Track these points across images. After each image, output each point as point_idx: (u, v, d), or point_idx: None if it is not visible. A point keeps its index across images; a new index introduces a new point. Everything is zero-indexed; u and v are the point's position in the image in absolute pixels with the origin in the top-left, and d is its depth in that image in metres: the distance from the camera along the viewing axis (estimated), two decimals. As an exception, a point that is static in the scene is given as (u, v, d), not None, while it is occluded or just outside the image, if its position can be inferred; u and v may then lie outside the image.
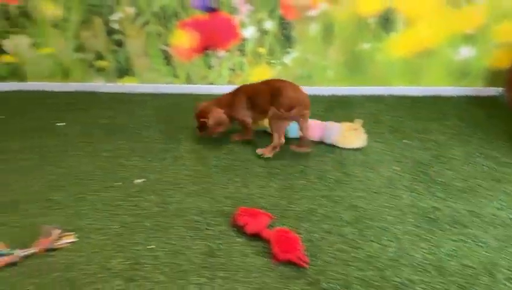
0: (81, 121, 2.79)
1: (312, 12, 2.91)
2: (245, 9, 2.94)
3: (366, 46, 2.99)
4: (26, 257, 1.69)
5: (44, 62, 3.18)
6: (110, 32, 3.06)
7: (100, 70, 3.20)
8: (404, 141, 2.49)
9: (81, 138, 2.59)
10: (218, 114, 2.39)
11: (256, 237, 1.76)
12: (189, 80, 3.20)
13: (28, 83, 3.25)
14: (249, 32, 3.00)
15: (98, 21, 3.03)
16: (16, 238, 1.76)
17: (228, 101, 2.44)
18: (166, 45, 3.08)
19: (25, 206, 1.99)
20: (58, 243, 1.73)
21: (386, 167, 2.24)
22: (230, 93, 2.49)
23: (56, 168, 2.29)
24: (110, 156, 2.40)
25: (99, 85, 3.23)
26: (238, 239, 1.76)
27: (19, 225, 1.88)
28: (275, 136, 2.30)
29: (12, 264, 1.65)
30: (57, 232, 1.76)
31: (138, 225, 1.87)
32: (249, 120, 2.43)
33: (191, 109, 2.55)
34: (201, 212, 1.93)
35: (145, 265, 1.65)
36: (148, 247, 1.73)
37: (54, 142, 2.54)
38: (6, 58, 3.19)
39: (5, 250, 1.68)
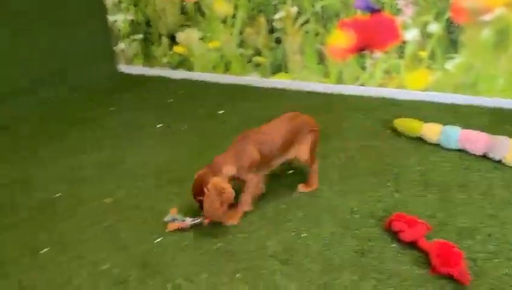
0: (238, 112, 3.00)
1: (486, 17, 2.67)
2: (409, 10, 2.83)
3: (548, 55, 2.64)
4: (194, 225, 1.89)
5: (210, 55, 3.50)
6: (272, 30, 3.23)
7: (257, 66, 3.41)
8: None
9: (238, 126, 2.79)
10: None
11: (411, 245, 1.69)
12: (339, 80, 3.21)
13: (195, 72, 3.61)
14: (411, 35, 2.88)
15: (261, 19, 3.22)
16: (183, 208, 2.00)
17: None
18: (322, 44, 3.14)
19: (191, 181, 2.23)
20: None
21: None
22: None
23: (217, 151, 2.50)
24: (264, 145, 2.54)
25: (255, 80, 3.44)
26: (392, 245, 1.72)
27: (189, 198, 2.10)
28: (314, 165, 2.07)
29: (182, 229, 1.87)
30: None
31: (290, 213, 1.95)
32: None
33: (339, 108, 2.56)
34: (352, 211, 1.93)
35: (298, 252, 1.72)
36: (301, 236, 1.80)
37: (215, 127, 2.79)
38: (178, 49, 3.60)
39: (178, 216, 1.90)
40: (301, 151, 2.03)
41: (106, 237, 1.84)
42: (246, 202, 1.94)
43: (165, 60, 3.66)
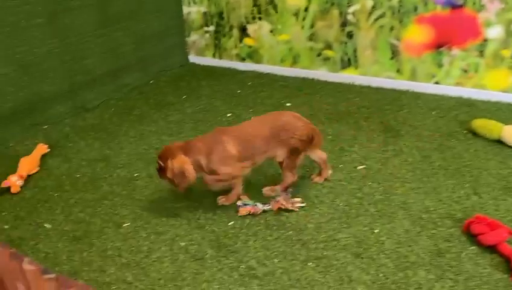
0: (307, 105, 3.01)
1: None
2: (494, 7, 2.69)
3: None
4: (264, 211, 1.93)
5: (279, 48, 3.52)
6: (344, 23, 3.20)
7: (326, 60, 3.39)
8: None
9: (307, 119, 2.80)
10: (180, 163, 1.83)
11: (491, 249, 1.63)
12: (413, 77, 3.11)
13: (262, 65, 3.66)
14: (494, 32, 2.74)
15: (335, 12, 3.20)
16: (253, 195, 2.05)
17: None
18: (397, 39, 3.07)
19: (262, 169, 2.27)
20: (293, 206, 1.92)
21: None
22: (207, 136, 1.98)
23: (286, 141, 2.54)
24: (333, 139, 2.53)
25: (323, 73, 3.42)
26: (471, 247, 1.67)
27: (258, 184, 2.15)
28: (289, 175, 1.98)
29: (253, 214, 1.91)
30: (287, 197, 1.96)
31: (362, 207, 1.94)
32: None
33: (412, 106, 2.49)
34: (427, 211, 1.89)
35: (371, 246, 1.71)
36: (374, 231, 1.79)
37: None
38: (248, 41, 3.66)
39: (250, 201, 1.95)
40: (278, 154, 1.96)
41: (183, 216, 1.93)
42: (235, 195, 1.98)
43: (234, 51, 3.74)
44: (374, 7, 3.05)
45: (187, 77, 3.64)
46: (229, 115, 2.93)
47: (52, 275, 1.05)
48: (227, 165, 1.87)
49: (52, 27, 2.67)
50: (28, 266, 1.08)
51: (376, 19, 3.08)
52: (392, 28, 3.05)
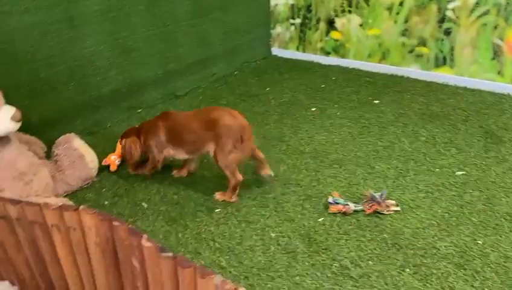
0: (396, 103, 2.89)
1: None
2: None
3: None
4: (356, 211, 1.88)
5: (368, 42, 3.41)
6: (442, 19, 3.02)
7: (418, 57, 3.22)
8: None
9: (397, 118, 2.69)
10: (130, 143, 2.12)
11: None
12: (516, 80, 2.88)
13: (348, 60, 3.56)
14: None
15: (433, 7, 3.03)
16: (342, 192, 2.00)
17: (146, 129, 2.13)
18: (500, 38, 2.84)
19: (349, 167, 2.22)
20: (388, 209, 1.85)
21: None
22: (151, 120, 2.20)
23: (376, 140, 2.45)
24: (427, 141, 2.41)
25: (414, 71, 3.26)
26: None
27: (346, 181, 2.10)
28: (229, 176, 1.94)
29: (344, 213, 1.87)
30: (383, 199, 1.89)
31: (463, 216, 1.82)
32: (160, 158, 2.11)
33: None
34: (538, 225, 1.73)
35: (474, 258, 1.60)
36: (477, 242, 1.67)
37: (372, 117, 2.72)
38: (335, 35, 3.58)
39: (341, 200, 1.91)
40: (210, 149, 1.97)
41: (272, 207, 1.93)
42: (142, 169, 2.18)
43: (319, 45, 3.68)
44: (477, 4, 2.85)
45: (270, 69, 3.64)
46: (313, 109, 2.89)
47: (170, 254, 1.09)
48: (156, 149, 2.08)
49: (151, 14, 2.77)
50: (146, 242, 1.13)
51: (479, 16, 2.87)
52: (496, 27, 2.83)
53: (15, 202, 1.28)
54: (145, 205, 1.98)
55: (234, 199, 1.97)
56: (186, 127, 1.99)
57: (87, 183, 2.09)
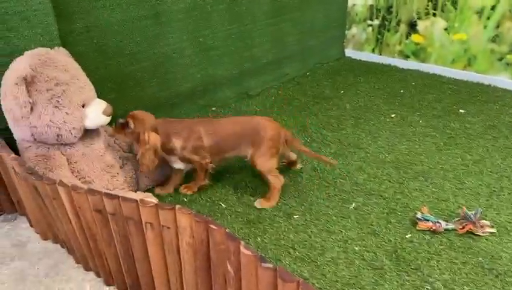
0: (484, 114, 2.69)
1: None
2: None
3: None
4: (447, 230, 1.74)
5: (452, 47, 3.20)
6: (542, 25, 2.77)
7: (509, 65, 2.98)
8: None
9: (486, 130, 2.50)
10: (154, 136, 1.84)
11: None
12: None
13: (429, 64, 3.37)
14: None
15: (532, 12, 2.78)
16: (431, 207, 1.87)
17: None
18: None
19: (436, 180, 2.08)
20: (482, 230, 1.71)
21: None
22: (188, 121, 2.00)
23: (464, 153, 2.29)
24: (523, 157, 2.21)
25: (503, 80, 3.02)
26: None
27: (433, 196, 1.97)
28: (273, 178, 1.92)
29: (433, 231, 1.74)
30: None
31: None
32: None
33: None
34: None
35: None
36: None
37: (459, 127, 2.54)
38: (416, 38, 3.40)
39: (431, 217, 1.78)
40: (253, 156, 1.91)
41: (354, 218, 1.85)
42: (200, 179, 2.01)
43: (397, 48, 3.51)
44: None
45: (343, 72, 3.53)
46: (393, 115, 2.75)
47: (270, 265, 1.04)
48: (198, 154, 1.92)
49: (232, 13, 2.77)
50: (244, 249, 1.09)
51: None
52: None
53: (112, 196, 1.30)
54: (223, 204, 1.97)
55: (274, 203, 1.94)
56: (228, 134, 1.94)
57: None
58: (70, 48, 2.05)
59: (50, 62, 1.69)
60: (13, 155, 1.65)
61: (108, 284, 1.58)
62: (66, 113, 1.70)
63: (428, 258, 1.62)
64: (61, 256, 1.73)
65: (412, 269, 1.58)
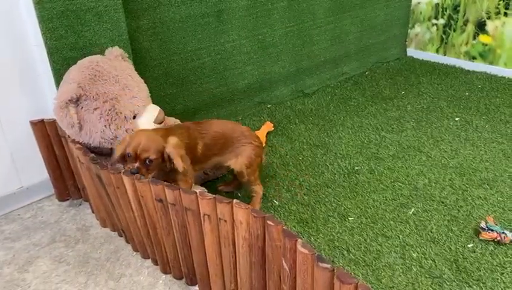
0: (560, 120, 2.50)
1: None
2: None
3: None
4: (514, 242, 1.64)
5: (526, 48, 3.00)
6: None
7: None
8: None
9: (562, 138, 2.32)
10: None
11: None
12: None
13: (497, 67, 3.18)
14: None
15: None
16: (496, 217, 1.76)
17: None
18: None
19: (502, 189, 1.96)
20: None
21: None
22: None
23: (536, 162, 2.14)
24: None
25: None
26: None
27: (499, 205, 1.85)
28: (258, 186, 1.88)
29: (498, 242, 1.64)
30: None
31: None
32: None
33: None
34: None
35: None
36: None
37: (531, 134, 2.39)
38: (484, 39, 3.21)
39: (497, 227, 1.68)
40: (236, 162, 1.80)
41: (412, 223, 1.78)
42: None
43: (463, 48, 3.34)
44: None
45: (405, 72, 3.41)
46: (457, 119, 2.62)
47: (328, 265, 1.03)
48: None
49: (292, 11, 2.76)
50: (301, 248, 1.08)
51: None
52: None
53: (173, 187, 1.34)
54: (276, 201, 1.97)
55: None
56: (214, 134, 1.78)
57: (221, 174, 2.15)
58: (136, 44, 2.15)
59: (99, 76, 1.69)
60: (78, 145, 1.74)
61: (165, 272, 1.63)
62: (116, 128, 1.70)
63: (492, 270, 1.53)
64: (121, 243, 1.81)
65: (474, 280, 1.50)
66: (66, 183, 2.06)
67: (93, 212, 2.00)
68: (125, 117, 1.72)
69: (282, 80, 2.92)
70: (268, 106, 2.90)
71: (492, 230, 1.67)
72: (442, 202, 1.89)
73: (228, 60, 2.55)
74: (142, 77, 1.88)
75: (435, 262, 1.58)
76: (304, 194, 2.01)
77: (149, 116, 1.76)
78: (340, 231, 1.77)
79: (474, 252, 1.62)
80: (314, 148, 2.40)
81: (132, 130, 1.72)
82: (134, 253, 1.75)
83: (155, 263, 1.67)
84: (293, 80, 2.98)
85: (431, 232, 1.73)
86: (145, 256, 1.71)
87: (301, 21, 2.83)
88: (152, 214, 1.46)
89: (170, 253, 1.54)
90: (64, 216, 2.00)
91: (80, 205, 2.08)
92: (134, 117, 1.74)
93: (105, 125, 1.69)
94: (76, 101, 1.67)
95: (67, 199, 2.11)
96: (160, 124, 1.78)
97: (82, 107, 1.68)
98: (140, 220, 1.53)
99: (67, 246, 1.80)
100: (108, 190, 1.60)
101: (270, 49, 2.75)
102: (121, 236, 1.84)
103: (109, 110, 1.69)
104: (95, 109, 1.68)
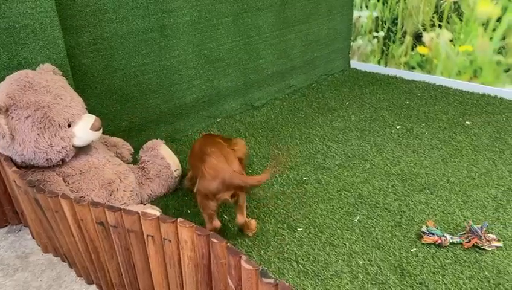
0: (491, 126, 2.67)
1: None
2: None
3: None
4: (453, 243, 1.72)
5: (457, 59, 3.20)
6: (548, 37, 2.75)
7: (516, 76, 2.97)
8: None
9: (493, 142, 2.48)
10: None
11: None
12: None
13: (434, 76, 3.36)
14: None
15: (538, 23, 2.77)
16: (436, 221, 1.85)
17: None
18: None
19: (442, 193, 2.06)
20: (489, 244, 1.68)
21: None
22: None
23: (471, 165, 2.27)
24: (530, 170, 2.18)
25: (510, 92, 3.00)
26: None
27: (439, 209, 1.94)
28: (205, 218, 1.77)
29: (439, 245, 1.72)
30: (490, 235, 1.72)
31: None
32: None
33: None
34: None
35: None
36: None
37: (465, 140, 2.52)
38: (421, 50, 3.39)
39: (437, 230, 1.76)
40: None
41: (358, 231, 1.83)
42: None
43: (403, 59, 3.51)
44: None
45: (349, 83, 3.53)
46: (398, 127, 2.74)
47: (271, 280, 1.03)
48: None
49: (237, 25, 2.79)
50: (245, 264, 1.08)
51: None
52: None
53: (114, 209, 1.30)
54: (226, 217, 1.96)
55: None
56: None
57: (170, 191, 2.11)
58: (76, 61, 2.08)
59: (29, 86, 1.65)
60: (15, 168, 1.65)
61: (110, 296, 1.57)
62: (50, 136, 1.66)
63: (434, 273, 1.60)
64: (64, 268, 1.73)
65: (417, 283, 1.56)
66: (3, 209, 1.95)
67: (33, 237, 1.90)
68: (59, 125, 1.68)
69: (230, 93, 2.93)
70: (218, 120, 2.90)
71: (433, 234, 1.75)
72: (386, 209, 1.96)
73: (174, 75, 2.53)
74: (83, 94, 1.83)
75: (380, 268, 1.63)
76: (254, 207, 2.02)
77: (85, 125, 1.74)
78: (290, 242, 1.79)
79: (417, 256, 1.69)
80: (264, 160, 2.42)
81: (69, 137, 1.70)
82: (78, 278, 1.68)
83: (100, 288, 1.61)
84: (241, 93, 3.00)
85: (376, 238, 1.78)
86: (89, 281, 1.64)
87: (247, 36, 2.87)
88: (93, 238, 1.40)
89: (115, 277, 1.48)
90: (2, 243, 1.88)
91: (20, 230, 1.97)
92: (69, 126, 1.71)
93: (38, 134, 1.64)
94: (6, 111, 1.60)
95: (6, 225, 1.99)
96: (97, 131, 1.76)
97: (12, 117, 1.62)
98: (81, 244, 1.47)
99: (5, 276, 1.70)
100: (47, 214, 1.53)
101: (217, 63, 2.76)
102: (64, 261, 1.76)
103: (41, 118, 1.64)
104: (27, 118, 1.62)
